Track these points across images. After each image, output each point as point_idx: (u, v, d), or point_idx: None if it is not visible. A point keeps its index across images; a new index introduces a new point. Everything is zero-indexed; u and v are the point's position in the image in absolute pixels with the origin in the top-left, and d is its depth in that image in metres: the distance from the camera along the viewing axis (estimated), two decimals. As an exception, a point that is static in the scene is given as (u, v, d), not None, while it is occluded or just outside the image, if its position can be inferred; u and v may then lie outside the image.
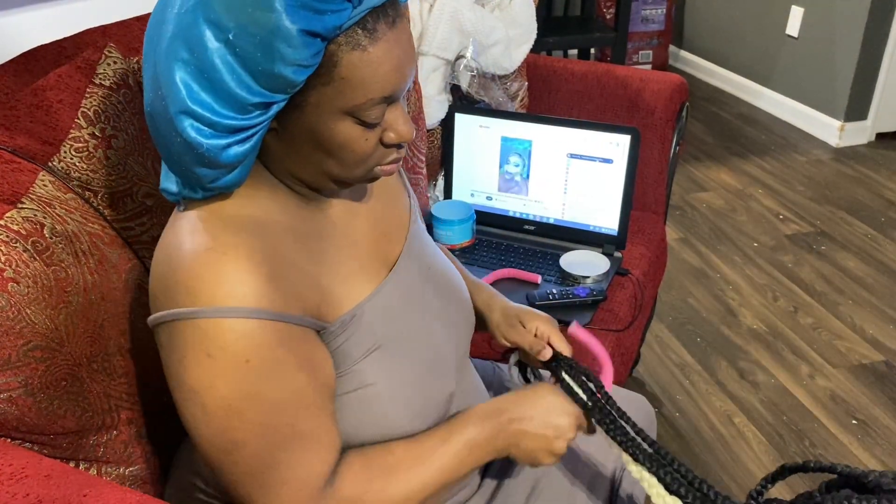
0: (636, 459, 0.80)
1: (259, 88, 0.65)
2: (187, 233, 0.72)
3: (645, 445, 0.81)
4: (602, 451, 1.02)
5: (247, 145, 0.69)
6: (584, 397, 0.86)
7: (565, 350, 0.95)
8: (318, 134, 0.71)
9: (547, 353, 0.94)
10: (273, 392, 0.70)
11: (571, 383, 0.87)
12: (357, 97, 0.69)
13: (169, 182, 0.75)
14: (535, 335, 0.98)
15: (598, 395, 0.86)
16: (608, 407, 0.84)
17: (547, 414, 0.85)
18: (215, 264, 0.69)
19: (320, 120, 0.70)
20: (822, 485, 0.73)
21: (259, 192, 0.77)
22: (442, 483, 0.80)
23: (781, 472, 0.78)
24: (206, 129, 0.67)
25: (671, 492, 0.77)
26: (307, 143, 0.72)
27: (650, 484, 0.79)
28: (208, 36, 0.63)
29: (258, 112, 0.67)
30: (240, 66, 0.64)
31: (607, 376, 1.00)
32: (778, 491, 1.64)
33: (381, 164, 0.77)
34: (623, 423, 0.84)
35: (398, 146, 0.77)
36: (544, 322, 0.99)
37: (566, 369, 0.88)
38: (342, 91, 0.68)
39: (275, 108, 0.67)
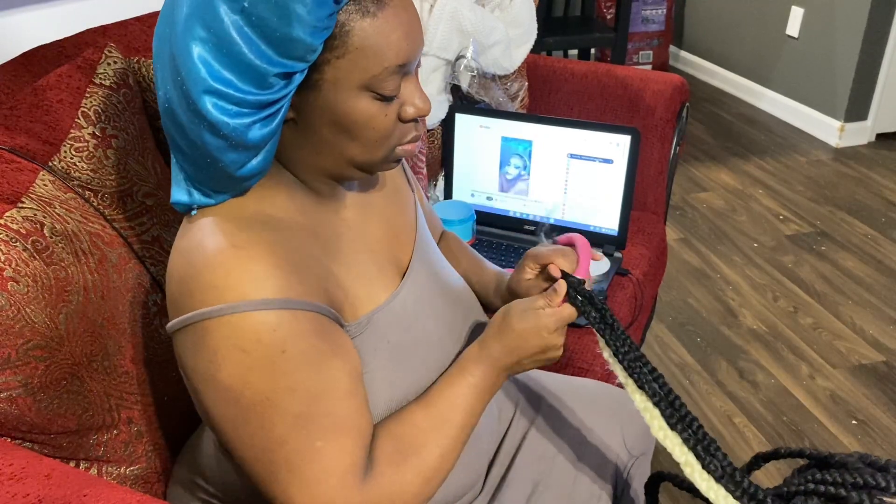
0: (641, 388, 0.77)
1: (278, 58, 0.65)
2: (207, 234, 0.71)
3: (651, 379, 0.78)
4: (603, 451, 1.02)
5: (271, 125, 0.69)
6: (596, 317, 0.83)
7: (567, 266, 0.89)
8: (339, 114, 0.71)
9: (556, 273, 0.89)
10: (310, 381, 0.69)
11: (583, 305, 0.83)
12: (373, 67, 0.69)
13: (180, 193, 0.74)
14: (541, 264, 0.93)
15: (606, 317, 0.82)
16: (616, 330, 0.81)
17: (531, 336, 0.82)
18: (239, 260, 0.68)
19: (339, 98, 0.70)
20: (794, 470, 0.73)
21: (277, 192, 0.77)
22: (465, 436, 0.81)
23: (755, 462, 0.79)
24: (230, 107, 0.66)
25: (671, 427, 0.75)
26: (328, 128, 0.72)
27: (652, 416, 0.76)
28: (223, 10, 0.63)
29: (279, 85, 0.66)
30: (257, 35, 0.64)
31: (583, 266, 0.91)
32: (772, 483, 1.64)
33: (402, 144, 0.77)
34: (629, 348, 0.80)
35: (416, 121, 0.77)
36: (544, 249, 0.93)
37: (577, 290, 0.84)
38: (357, 62, 0.68)
39: (296, 80, 0.67)
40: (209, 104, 0.66)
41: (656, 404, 0.76)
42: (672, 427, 0.74)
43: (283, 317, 0.68)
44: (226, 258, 0.68)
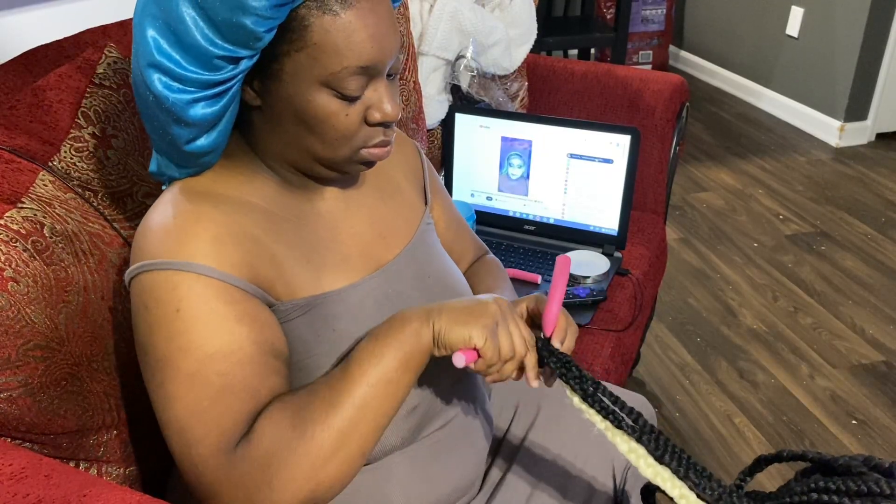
0: (619, 428, 0.74)
1: (221, 42, 0.66)
2: (157, 206, 0.76)
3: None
4: (601, 452, 1.02)
5: (216, 106, 0.71)
6: (563, 370, 0.78)
7: (547, 329, 0.83)
8: (298, 107, 0.72)
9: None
10: (204, 342, 0.70)
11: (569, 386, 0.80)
12: (331, 65, 0.70)
13: (153, 162, 0.80)
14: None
15: (572, 368, 0.78)
16: (585, 380, 0.77)
17: (464, 303, 0.75)
18: (164, 226, 0.72)
19: (298, 91, 0.71)
20: (797, 473, 0.73)
21: (237, 174, 0.80)
22: (374, 411, 0.71)
23: (758, 465, 0.78)
24: (173, 83, 0.69)
25: (659, 461, 0.72)
26: (289, 119, 0.74)
27: (638, 455, 0.73)
28: None
29: (226, 68, 0.68)
30: (203, 18, 0.66)
31: (548, 319, 0.84)
32: (772, 484, 1.64)
33: (368, 147, 0.77)
34: (601, 394, 0.76)
35: (384, 125, 0.77)
36: (531, 301, 0.87)
37: (557, 364, 0.79)
38: (316, 58, 0.70)
39: (243, 65, 0.69)
40: (154, 77, 0.69)
41: (639, 440, 0.73)
42: (659, 460, 0.72)
43: (185, 278, 0.70)
44: (157, 224, 0.73)
